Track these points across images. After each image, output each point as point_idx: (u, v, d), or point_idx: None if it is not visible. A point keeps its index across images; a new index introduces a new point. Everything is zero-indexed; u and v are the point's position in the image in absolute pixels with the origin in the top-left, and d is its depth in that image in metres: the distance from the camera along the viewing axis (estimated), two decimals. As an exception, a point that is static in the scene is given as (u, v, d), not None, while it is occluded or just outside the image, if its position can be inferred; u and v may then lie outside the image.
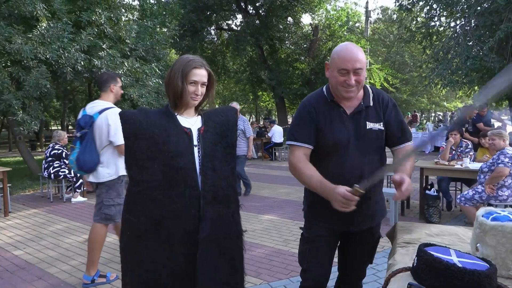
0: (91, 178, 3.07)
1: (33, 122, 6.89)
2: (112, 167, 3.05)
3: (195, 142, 1.65)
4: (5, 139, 22.64)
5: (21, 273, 3.55)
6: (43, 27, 6.81)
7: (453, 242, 1.71)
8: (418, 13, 14.03)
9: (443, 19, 12.68)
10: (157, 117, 1.64)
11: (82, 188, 6.72)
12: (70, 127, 26.10)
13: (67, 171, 6.55)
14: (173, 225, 1.54)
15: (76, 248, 4.22)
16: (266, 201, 6.42)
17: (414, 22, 15.09)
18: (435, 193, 5.00)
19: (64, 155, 6.59)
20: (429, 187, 5.11)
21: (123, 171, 3.07)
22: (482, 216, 1.44)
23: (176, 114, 1.68)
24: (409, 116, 21.56)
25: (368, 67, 17.38)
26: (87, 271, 3.19)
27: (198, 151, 1.65)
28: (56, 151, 6.55)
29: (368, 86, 1.87)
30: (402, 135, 1.84)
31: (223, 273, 1.67)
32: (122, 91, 3.31)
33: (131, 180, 1.59)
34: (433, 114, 37.20)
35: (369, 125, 1.78)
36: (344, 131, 1.76)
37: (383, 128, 1.81)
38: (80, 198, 6.64)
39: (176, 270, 1.56)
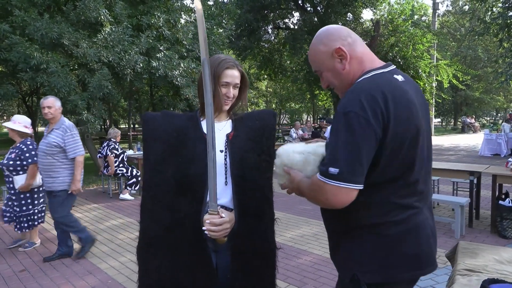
0: None
1: (96, 121, 7.30)
2: None
3: (222, 148, 1.52)
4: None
5: (75, 267, 3.71)
6: (106, 32, 7.19)
7: (531, 273, 1.39)
8: (493, 3, 12.77)
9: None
10: (180, 121, 1.55)
11: (133, 187, 6.89)
12: (136, 126, 27.57)
13: (124, 170, 6.83)
14: (181, 234, 1.44)
15: (127, 244, 4.33)
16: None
17: (489, 13, 13.79)
18: (511, 204, 4.40)
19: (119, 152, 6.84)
20: (503, 196, 4.52)
21: None
22: None
23: (202, 119, 1.56)
24: (508, 115, 19.83)
25: (435, 63, 16.19)
26: None
27: (225, 158, 1.51)
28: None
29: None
30: None
31: None
32: None
33: (144, 184, 1.51)
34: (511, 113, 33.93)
35: None
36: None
37: None
38: (127, 196, 6.77)
39: (184, 281, 1.46)
